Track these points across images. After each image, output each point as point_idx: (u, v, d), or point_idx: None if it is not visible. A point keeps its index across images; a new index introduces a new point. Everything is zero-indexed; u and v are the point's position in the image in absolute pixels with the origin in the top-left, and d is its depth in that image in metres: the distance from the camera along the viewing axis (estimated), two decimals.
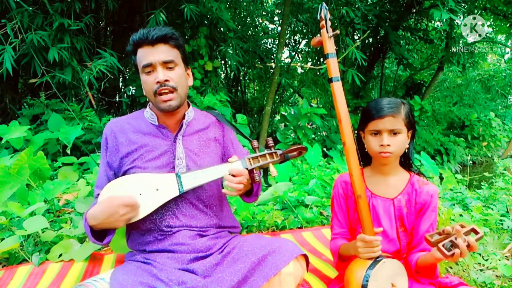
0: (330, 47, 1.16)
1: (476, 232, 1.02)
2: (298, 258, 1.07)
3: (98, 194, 1.21)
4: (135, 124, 1.24)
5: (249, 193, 1.27)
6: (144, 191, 1.12)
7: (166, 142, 1.21)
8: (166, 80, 1.13)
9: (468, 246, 0.99)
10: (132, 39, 1.16)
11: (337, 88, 1.15)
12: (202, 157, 1.23)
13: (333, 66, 1.16)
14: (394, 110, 1.16)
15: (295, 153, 1.20)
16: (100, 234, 1.15)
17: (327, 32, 1.17)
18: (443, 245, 1.01)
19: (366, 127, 1.21)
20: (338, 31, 1.17)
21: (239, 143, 1.39)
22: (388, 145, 1.15)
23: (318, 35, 1.22)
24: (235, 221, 1.35)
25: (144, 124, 1.24)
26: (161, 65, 1.14)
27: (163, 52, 1.14)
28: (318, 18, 1.19)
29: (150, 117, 1.24)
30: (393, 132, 1.17)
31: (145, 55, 1.14)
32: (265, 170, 1.23)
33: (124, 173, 1.19)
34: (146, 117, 1.25)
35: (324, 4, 1.18)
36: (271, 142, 1.17)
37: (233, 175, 1.12)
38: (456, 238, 1.00)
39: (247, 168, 1.14)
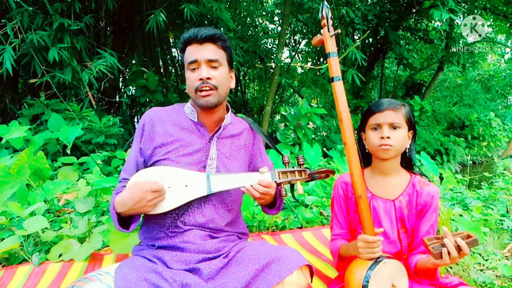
0: (331, 46, 1.16)
1: (470, 237, 1.01)
2: (302, 268, 1.07)
3: (124, 178, 1.23)
4: (174, 117, 1.25)
5: (271, 206, 1.29)
6: (173, 184, 1.13)
7: (201, 140, 1.22)
8: (208, 78, 1.16)
9: (460, 250, 0.99)
10: (182, 37, 1.20)
11: (338, 88, 1.15)
12: (232, 162, 1.25)
13: (334, 66, 1.15)
14: (395, 105, 1.19)
15: (322, 174, 1.24)
16: (125, 222, 1.17)
17: (328, 31, 1.16)
18: (433, 247, 1.01)
19: (367, 123, 1.23)
20: (339, 30, 1.17)
21: (266, 153, 1.41)
22: (388, 137, 1.16)
23: (318, 34, 1.21)
24: (245, 228, 1.37)
25: (184, 119, 1.25)
26: (206, 63, 1.16)
27: (209, 51, 1.17)
28: (319, 17, 1.18)
29: (190, 113, 1.25)
30: (393, 127, 1.18)
31: (192, 52, 1.17)
32: (292, 186, 1.25)
33: (154, 163, 1.19)
34: (186, 112, 1.27)
35: (325, 2, 1.18)
36: (301, 160, 1.20)
37: (261, 185, 1.14)
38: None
39: (275, 181, 1.17)
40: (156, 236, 1.18)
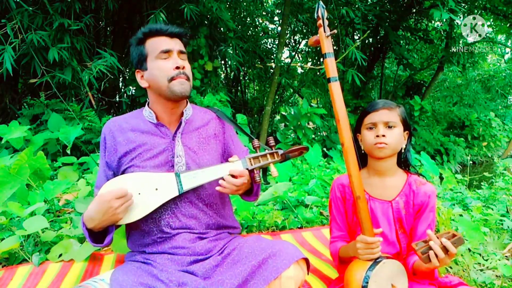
0: (327, 46, 1.16)
1: (455, 236, 1.00)
2: (298, 261, 1.07)
3: None
4: (133, 123, 1.23)
5: (248, 193, 1.27)
6: (143, 190, 1.11)
7: (164, 140, 1.20)
8: (183, 68, 1.16)
9: (447, 250, 0.98)
10: (148, 28, 1.18)
11: (335, 88, 1.15)
12: (201, 155, 1.22)
13: (331, 66, 1.15)
14: (389, 104, 1.20)
15: (296, 152, 1.21)
16: (99, 236, 1.15)
17: (324, 32, 1.16)
18: (421, 251, 1.01)
19: (363, 122, 1.23)
20: (335, 31, 1.17)
21: (239, 140, 1.38)
22: (384, 135, 1.17)
23: (315, 35, 1.21)
24: (235, 221, 1.34)
25: (143, 123, 1.23)
26: (177, 54, 1.18)
27: (179, 44, 1.20)
28: (315, 18, 1.18)
29: (148, 116, 1.23)
30: (389, 126, 1.18)
31: (163, 42, 1.17)
32: (264, 169, 1.23)
33: (123, 173, 1.18)
34: (144, 115, 1.25)
35: (321, 2, 1.17)
36: (272, 142, 1.17)
37: (233, 176, 1.12)
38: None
39: (247, 168, 1.14)
40: (145, 243, 1.17)
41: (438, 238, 1.00)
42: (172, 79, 1.14)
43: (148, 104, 1.26)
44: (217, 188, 1.13)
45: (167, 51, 1.16)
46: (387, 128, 1.18)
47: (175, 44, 1.18)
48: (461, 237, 1.00)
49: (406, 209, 1.22)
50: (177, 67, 1.14)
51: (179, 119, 1.24)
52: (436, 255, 0.99)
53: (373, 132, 1.20)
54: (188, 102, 1.30)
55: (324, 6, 1.17)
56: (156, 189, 1.12)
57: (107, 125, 1.24)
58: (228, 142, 1.32)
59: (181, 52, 1.18)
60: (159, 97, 1.19)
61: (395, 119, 1.19)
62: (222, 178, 1.14)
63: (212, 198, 1.22)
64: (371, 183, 1.27)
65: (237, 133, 1.41)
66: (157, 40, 1.17)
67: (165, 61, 1.16)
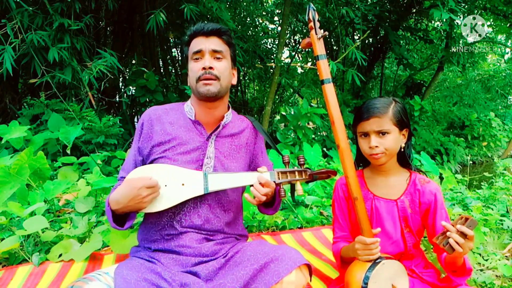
0: (319, 48, 1.15)
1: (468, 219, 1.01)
2: (301, 267, 1.06)
3: (122, 177, 1.22)
4: (173, 115, 1.25)
5: (268, 205, 1.28)
6: (170, 183, 1.12)
7: (199, 138, 1.21)
8: (211, 68, 1.16)
9: (466, 236, 0.98)
10: (189, 30, 1.21)
11: (329, 90, 1.14)
12: (230, 161, 1.23)
13: (324, 68, 1.15)
14: (380, 110, 1.15)
15: (324, 175, 1.22)
16: (121, 219, 1.16)
17: (316, 34, 1.16)
18: (442, 244, 1.02)
19: (357, 129, 1.22)
20: (326, 32, 1.16)
21: (267, 153, 1.39)
22: (376, 146, 1.15)
23: (307, 37, 1.21)
24: (244, 230, 1.35)
25: (182, 117, 1.25)
26: (210, 53, 1.17)
27: (214, 43, 1.19)
28: (306, 20, 1.18)
29: (189, 111, 1.25)
30: (381, 133, 1.15)
31: (197, 43, 1.18)
32: (293, 186, 1.23)
33: (152, 162, 1.19)
34: (185, 110, 1.26)
35: (311, 5, 1.17)
36: (302, 160, 1.18)
37: (261, 184, 1.13)
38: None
39: (274, 181, 1.15)
40: (152, 238, 1.18)
41: (453, 226, 1.00)
42: (198, 79, 1.16)
43: (190, 100, 1.28)
44: (246, 195, 1.14)
45: (198, 52, 1.17)
46: (380, 136, 1.15)
47: (209, 44, 1.17)
48: (473, 219, 1.00)
49: (412, 208, 1.21)
50: (203, 68, 1.15)
51: (217, 121, 1.25)
52: (457, 243, 0.98)
53: (366, 140, 1.18)
54: (230, 107, 1.31)
55: (315, 8, 1.17)
56: (183, 184, 1.13)
57: (147, 113, 1.26)
58: (257, 153, 1.33)
59: (214, 51, 1.17)
60: (195, 96, 1.22)
61: (387, 125, 1.14)
62: (248, 186, 1.14)
63: (231, 205, 1.23)
64: (375, 182, 1.27)
65: None
66: (194, 41, 1.19)
67: (196, 62, 1.18)
